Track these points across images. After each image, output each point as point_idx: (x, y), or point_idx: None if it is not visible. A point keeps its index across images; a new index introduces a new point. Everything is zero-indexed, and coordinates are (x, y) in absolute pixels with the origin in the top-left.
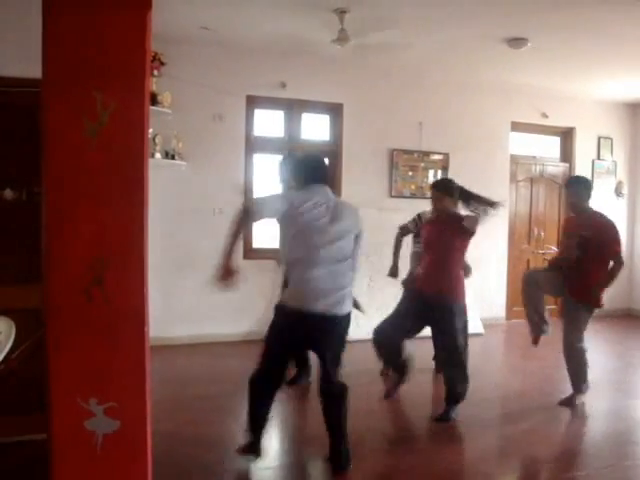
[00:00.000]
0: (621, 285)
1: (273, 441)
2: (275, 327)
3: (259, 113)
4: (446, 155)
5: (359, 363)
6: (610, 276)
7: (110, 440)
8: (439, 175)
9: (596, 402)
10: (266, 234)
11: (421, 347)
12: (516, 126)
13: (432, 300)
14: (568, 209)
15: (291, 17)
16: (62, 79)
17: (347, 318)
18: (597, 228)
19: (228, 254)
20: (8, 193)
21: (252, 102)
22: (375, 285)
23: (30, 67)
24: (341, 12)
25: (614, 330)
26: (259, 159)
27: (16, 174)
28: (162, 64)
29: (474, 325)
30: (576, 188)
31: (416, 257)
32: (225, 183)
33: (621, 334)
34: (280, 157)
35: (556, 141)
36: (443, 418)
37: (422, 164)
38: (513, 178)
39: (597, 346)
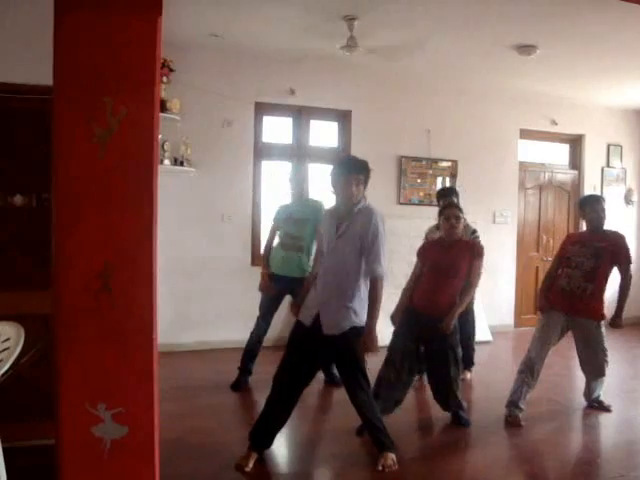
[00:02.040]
0: (632, 293)
1: (280, 448)
2: None
3: (267, 120)
4: (454, 162)
5: None
6: (623, 293)
7: (118, 446)
8: (447, 182)
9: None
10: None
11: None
12: (525, 133)
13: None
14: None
15: (300, 24)
16: (72, 85)
17: None
18: (612, 239)
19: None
20: (18, 199)
21: (261, 109)
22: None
23: (40, 74)
24: (350, 19)
25: (625, 338)
26: (267, 166)
27: (26, 180)
28: (171, 70)
29: (482, 333)
30: (597, 207)
31: None
32: (233, 189)
33: (632, 342)
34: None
35: (565, 148)
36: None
37: (430, 171)
38: (522, 185)
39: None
